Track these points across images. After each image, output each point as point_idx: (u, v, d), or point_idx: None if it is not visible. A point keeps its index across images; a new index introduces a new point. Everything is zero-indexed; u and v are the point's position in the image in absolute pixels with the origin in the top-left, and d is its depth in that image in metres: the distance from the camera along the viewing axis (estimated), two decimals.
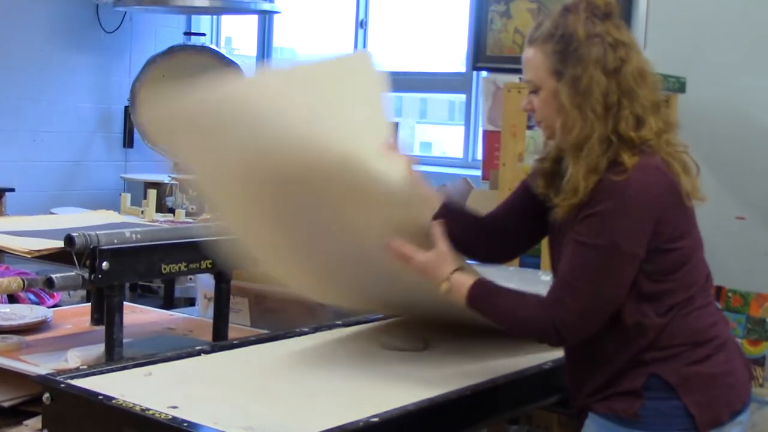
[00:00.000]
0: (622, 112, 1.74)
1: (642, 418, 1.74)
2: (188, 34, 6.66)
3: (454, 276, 1.83)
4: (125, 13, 6.35)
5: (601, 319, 1.75)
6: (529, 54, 1.83)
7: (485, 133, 5.01)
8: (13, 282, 1.91)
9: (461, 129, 5.67)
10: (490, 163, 4.79)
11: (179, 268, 2.02)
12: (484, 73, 5.11)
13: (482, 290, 1.82)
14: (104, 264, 1.86)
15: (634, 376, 1.76)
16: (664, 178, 1.75)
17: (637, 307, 1.75)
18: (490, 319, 1.84)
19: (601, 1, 1.78)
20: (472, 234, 2.00)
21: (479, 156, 5.24)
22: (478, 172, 5.01)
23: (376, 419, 1.65)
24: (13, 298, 2.80)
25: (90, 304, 2.42)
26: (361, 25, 6.09)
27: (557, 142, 1.85)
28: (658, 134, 1.76)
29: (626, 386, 1.77)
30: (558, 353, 2.13)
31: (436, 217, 1.93)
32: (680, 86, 3.84)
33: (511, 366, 2.05)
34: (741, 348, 1.97)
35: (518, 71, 4.71)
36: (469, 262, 1.97)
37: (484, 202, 4.05)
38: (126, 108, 6.40)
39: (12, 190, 5.51)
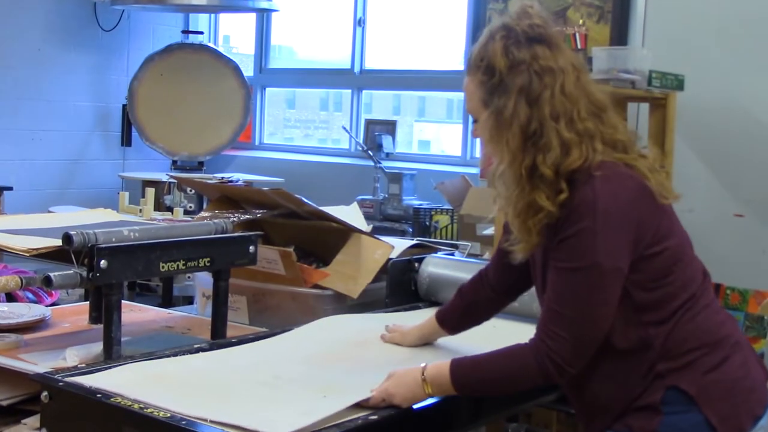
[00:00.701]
0: (541, 143, 1.66)
1: None
2: (186, 32, 6.66)
3: (428, 373, 1.72)
4: (123, 11, 6.36)
5: (596, 343, 1.67)
6: (465, 82, 1.76)
7: None
8: (11, 280, 1.91)
9: (459, 127, 5.67)
10: (488, 161, 4.80)
11: (177, 266, 2.02)
12: None
13: (463, 371, 1.72)
14: (102, 262, 1.85)
15: (651, 390, 1.69)
16: (631, 182, 1.68)
17: (637, 319, 1.69)
18: (489, 394, 1.80)
19: (522, 26, 1.69)
20: (491, 308, 2.07)
21: (477, 154, 5.25)
22: (477, 170, 5.02)
23: (375, 417, 1.65)
24: (11, 297, 2.80)
25: (88, 302, 2.42)
26: (359, 23, 6.09)
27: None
28: (587, 161, 1.66)
29: (643, 402, 1.69)
30: None
31: (447, 329, 2.09)
32: (678, 84, 3.84)
33: None
34: (752, 346, 1.90)
35: None
36: None
37: (482, 200, 4.06)
38: (124, 106, 6.40)
39: (10, 188, 5.51)
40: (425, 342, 2.13)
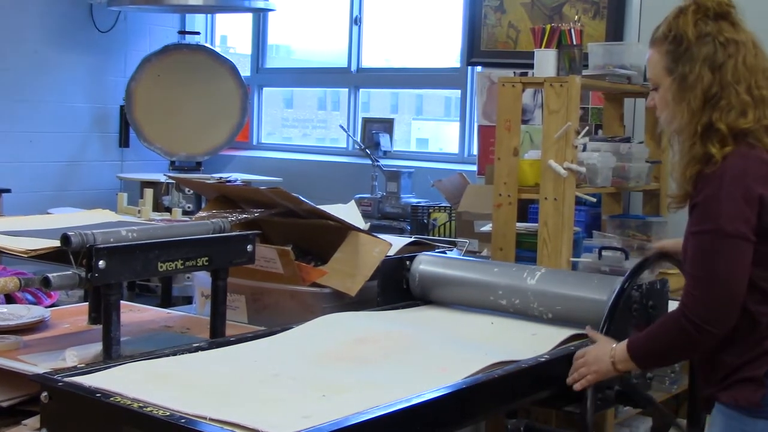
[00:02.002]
0: (721, 104, 1.86)
1: (765, 407, 1.81)
2: (183, 32, 6.66)
3: (617, 351, 1.98)
4: (119, 12, 6.35)
5: (730, 304, 1.80)
6: (649, 54, 1.99)
7: (480, 128, 5.03)
8: (10, 282, 1.91)
9: (457, 125, 5.68)
10: (485, 158, 4.80)
11: (176, 266, 2.02)
12: (478, 68, 5.12)
13: (638, 345, 1.95)
14: (101, 263, 1.86)
15: (758, 364, 1.83)
16: (760, 166, 1.83)
17: (754, 293, 1.83)
18: (668, 363, 2.13)
19: (712, 3, 1.92)
20: None
21: (475, 151, 5.25)
22: (474, 167, 5.03)
23: (373, 416, 1.65)
24: (10, 298, 2.81)
25: (87, 303, 2.42)
26: (356, 21, 6.10)
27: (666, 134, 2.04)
28: (759, 123, 1.85)
29: (748, 374, 1.84)
30: (552, 344, 2.15)
31: None
32: None
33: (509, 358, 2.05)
34: None
35: (512, 66, 4.72)
36: None
37: (479, 197, 4.06)
38: (122, 107, 6.40)
39: (8, 191, 5.51)
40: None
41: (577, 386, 2.02)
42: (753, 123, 1.85)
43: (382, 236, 2.68)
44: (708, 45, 1.88)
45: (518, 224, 3.27)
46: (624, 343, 1.98)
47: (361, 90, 6.22)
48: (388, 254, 2.57)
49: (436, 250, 2.85)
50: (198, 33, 6.74)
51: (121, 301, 2.00)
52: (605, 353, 1.99)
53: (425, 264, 2.59)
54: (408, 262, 2.60)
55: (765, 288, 1.86)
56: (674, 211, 2.02)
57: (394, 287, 2.57)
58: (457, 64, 5.57)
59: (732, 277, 1.80)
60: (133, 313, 2.57)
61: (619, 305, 2.12)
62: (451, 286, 2.54)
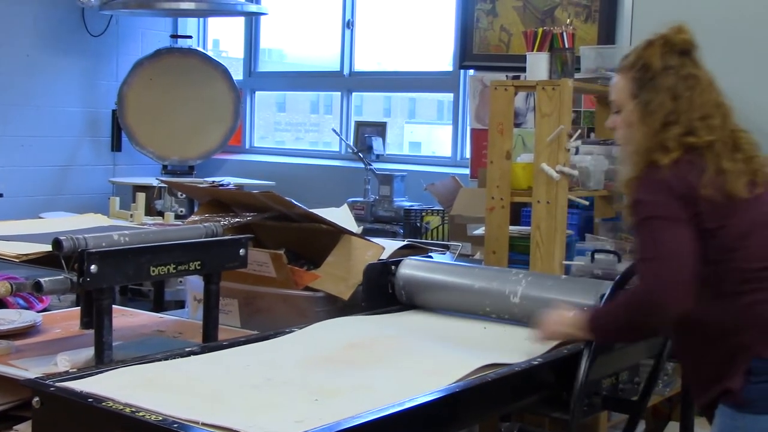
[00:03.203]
0: (674, 128, 2.03)
1: (752, 403, 1.92)
2: (175, 36, 6.65)
3: (578, 317, 2.09)
4: (111, 16, 6.35)
5: (679, 275, 1.91)
6: (615, 80, 2.17)
7: (473, 131, 5.03)
8: (1, 287, 1.91)
9: (449, 128, 5.68)
10: (478, 161, 4.81)
11: (168, 270, 2.02)
12: (471, 72, 5.12)
13: (597, 316, 2.06)
14: (93, 267, 1.85)
15: (731, 374, 1.94)
16: (690, 168, 1.99)
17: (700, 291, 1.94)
18: (620, 339, 2.15)
19: (678, 39, 2.11)
20: None
21: (467, 154, 5.26)
22: (467, 171, 5.03)
23: (368, 419, 1.65)
24: (1, 303, 2.79)
25: (79, 308, 2.42)
26: (348, 25, 6.10)
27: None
28: (704, 140, 2.02)
29: (727, 385, 1.94)
30: (546, 347, 2.15)
31: None
32: None
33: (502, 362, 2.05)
34: None
35: (505, 69, 4.72)
36: None
37: (472, 200, 4.06)
38: (114, 112, 6.39)
39: (0, 195, 5.50)
40: None
41: (536, 340, 2.14)
42: (699, 140, 2.03)
43: (374, 240, 2.68)
44: (671, 77, 2.07)
45: (511, 227, 3.27)
46: (587, 311, 2.11)
47: (353, 93, 6.22)
48: (381, 258, 2.56)
49: (429, 254, 2.84)
50: (190, 37, 6.73)
51: (113, 306, 2.00)
52: (565, 316, 2.11)
53: (411, 269, 2.56)
54: (393, 267, 2.57)
55: (711, 285, 1.97)
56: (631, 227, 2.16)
57: (379, 292, 2.54)
58: (450, 68, 5.57)
59: (673, 251, 1.93)
60: (126, 318, 2.57)
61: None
62: (436, 291, 2.51)
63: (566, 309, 2.15)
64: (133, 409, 1.59)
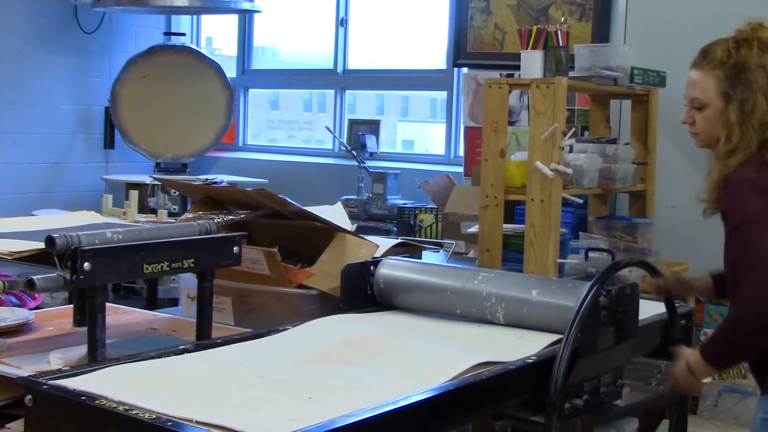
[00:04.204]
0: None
1: None
2: (168, 34, 6.64)
3: (692, 361, 2.14)
4: (104, 13, 6.33)
5: None
6: (697, 76, 2.20)
7: (466, 129, 5.03)
8: None
9: (443, 126, 5.68)
10: (471, 160, 4.81)
11: (161, 267, 2.01)
12: (464, 70, 5.12)
13: (710, 349, 2.11)
14: (86, 264, 1.85)
15: None
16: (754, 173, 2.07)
17: None
18: (743, 356, 2.23)
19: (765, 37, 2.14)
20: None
21: (461, 152, 5.26)
22: (461, 169, 5.03)
23: (360, 419, 1.64)
24: None
25: (72, 305, 2.41)
26: (342, 23, 6.09)
27: (714, 151, 2.21)
28: None
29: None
30: (539, 346, 2.14)
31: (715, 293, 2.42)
32: (660, 80, 3.86)
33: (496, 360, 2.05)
34: None
35: (499, 67, 4.73)
36: None
37: (466, 198, 4.06)
38: (106, 109, 6.37)
39: None
40: (684, 287, 2.48)
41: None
42: None
43: (368, 238, 2.67)
44: (765, 77, 2.11)
45: (505, 225, 3.27)
46: (696, 351, 2.14)
47: (347, 91, 6.22)
48: (375, 256, 2.56)
49: (421, 252, 2.84)
50: (183, 34, 6.72)
51: (107, 303, 1.99)
52: (682, 368, 2.16)
53: (390, 269, 2.48)
54: (372, 267, 2.48)
55: None
56: (709, 216, 2.24)
57: (358, 293, 2.46)
58: (444, 66, 5.57)
59: None
60: (119, 315, 2.56)
61: (582, 311, 1.99)
62: (415, 291, 2.44)
63: (682, 357, 2.18)
64: (127, 407, 1.59)
